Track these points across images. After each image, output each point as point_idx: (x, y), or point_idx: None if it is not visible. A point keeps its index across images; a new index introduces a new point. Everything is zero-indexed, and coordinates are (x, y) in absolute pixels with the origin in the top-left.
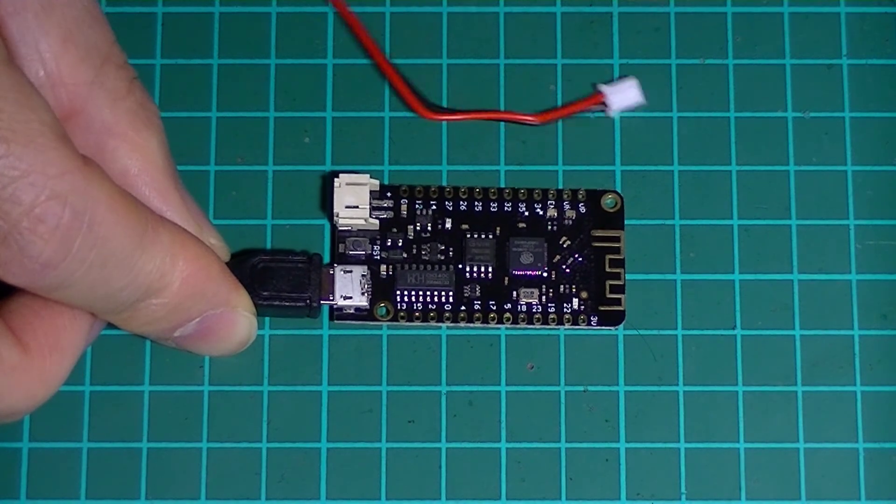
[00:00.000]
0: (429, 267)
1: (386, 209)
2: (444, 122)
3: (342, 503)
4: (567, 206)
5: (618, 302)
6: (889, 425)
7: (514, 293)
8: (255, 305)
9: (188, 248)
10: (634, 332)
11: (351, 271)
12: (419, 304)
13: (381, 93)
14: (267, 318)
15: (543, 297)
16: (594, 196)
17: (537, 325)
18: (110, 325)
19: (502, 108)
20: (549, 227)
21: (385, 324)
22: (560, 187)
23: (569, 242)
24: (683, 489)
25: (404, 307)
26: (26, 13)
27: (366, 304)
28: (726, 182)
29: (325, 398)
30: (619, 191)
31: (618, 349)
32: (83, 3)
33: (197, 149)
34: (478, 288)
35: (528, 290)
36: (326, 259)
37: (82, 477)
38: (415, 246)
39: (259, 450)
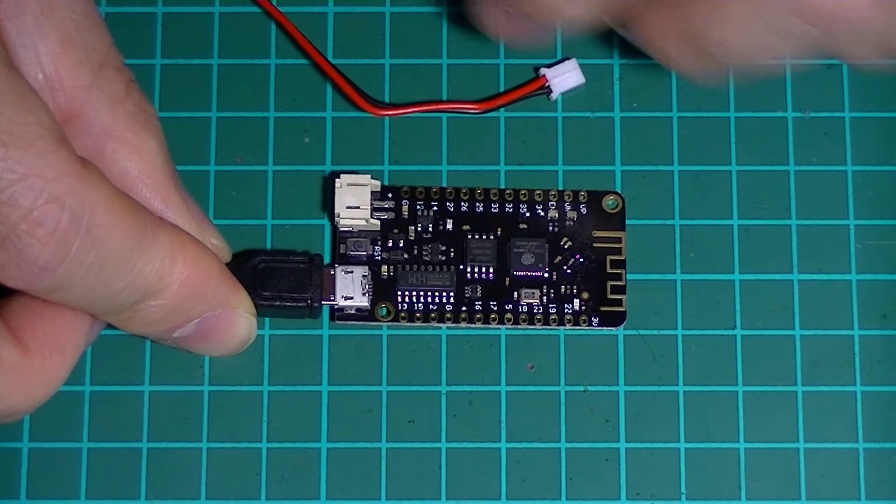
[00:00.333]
0: (430, 268)
1: (387, 210)
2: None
3: (342, 503)
4: (568, 207)
5: (619, 303)
6: (889, 425)
7: (515, 294)
8: (256, 306)
9: (187, 249)
10: (634, 331)
11: (352, 272)
12: (420, 305)
13: (382, 93)
14: (267, 318)
15: (544, 298)
16: (595, 197)
17: (538, 326)
18: (110, 325)
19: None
20: (550, 228)
21: (385, 324)
22: (560, 187)
23: (570, 243)
24: (683, 489)
25: (405, 308)
26: (25, 16)
27: (367, 304)
28: (726, 182)
29: (325, 398)
30: (619, 190)
31: (618, 349)
32: (82, 6)
33: (197, 149)
34: (479, 289)
35: (530, 290)
36: (327, 259)
37: (82, 477)
38: (416, 246)
39: (259, 450)
